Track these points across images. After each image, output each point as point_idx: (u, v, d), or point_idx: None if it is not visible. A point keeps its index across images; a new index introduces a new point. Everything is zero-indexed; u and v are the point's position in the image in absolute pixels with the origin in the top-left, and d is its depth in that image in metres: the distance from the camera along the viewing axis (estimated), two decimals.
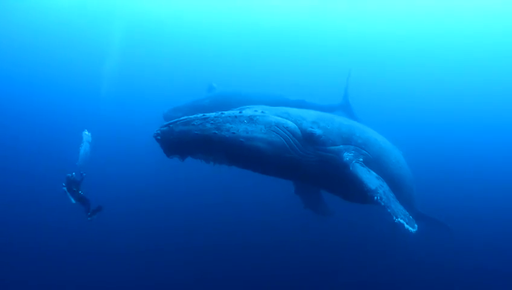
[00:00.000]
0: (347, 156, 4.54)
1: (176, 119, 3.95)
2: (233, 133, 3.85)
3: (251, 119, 4.01)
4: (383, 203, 4.25)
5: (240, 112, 4.08)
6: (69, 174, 7.64)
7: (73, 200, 7.48)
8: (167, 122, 3.94)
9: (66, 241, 10.39)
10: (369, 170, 4.63)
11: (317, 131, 4.33)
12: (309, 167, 4.39)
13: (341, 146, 4.55)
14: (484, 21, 29.63)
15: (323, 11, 31.23)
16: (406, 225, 4.16)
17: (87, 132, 8.88)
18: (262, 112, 4.20)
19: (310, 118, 4.45)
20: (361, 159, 4.67)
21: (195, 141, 3.82)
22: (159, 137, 3.86)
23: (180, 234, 10.48)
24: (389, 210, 4.23)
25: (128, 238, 10.68)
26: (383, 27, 32.33)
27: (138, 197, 12.59)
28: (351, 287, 8.16)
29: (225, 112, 4.04)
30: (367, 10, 29.83)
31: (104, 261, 9.75)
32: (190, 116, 3.94)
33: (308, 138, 4.27)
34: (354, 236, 9.09)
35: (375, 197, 4.27)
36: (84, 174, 7.71)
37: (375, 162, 4.90)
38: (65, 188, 7.49)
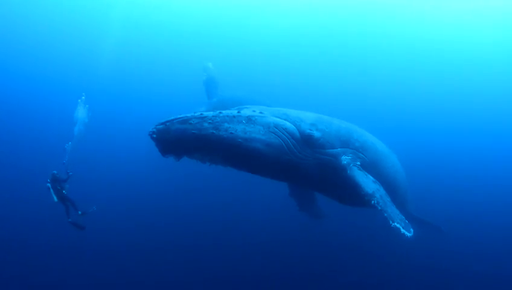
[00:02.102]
0: (345, 159, 4.52)
1: (172, 117, 3.87)
2: (232, 133, 3.78)
3: (249, 120, 3.95)
4: (379, 208, 4.24)
5: (238, 112, 4.01)
6: (55, 171, 7.48)
7: (55, 199, 7.34)
8: (163, 120, 3.85)
9: (61, 240, 10.25)
10: (366, 173, 4.61)
11: (316, 133, 4.29)
12: (306, 169, 4.35)
13: (339, 149, 4.52)
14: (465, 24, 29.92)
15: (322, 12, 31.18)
16: (402, 230, 4.18)
17: (82, 102, 8.47)
18: (260, 112, 4.14)
19: (308, 120, 4.40)
20: (358, 163, 4.65)
21: (192, 141, 3.74)
22: (154, 135, 3.76)
23: (176, 235, 10.41)
24: (385, 214, 4.23)
25: (125, 238, 10.58)
26: (380, 27, 32.40)
27: (134, 197, 12.47)
28: (347, 288, 8.19)
29: (223, 112, 3.97)
30: (366, 10, 29.81)
31: (98, 261, 9.63)
32: (187, 115, 3.85)
33: (307, 140, 4.23)
34: (350, 238, 9.13)
35: (372, 202, 4.27)
36: (71, 173, 7.56)
37: (371, 166, 4.90)
38: (49, 185, 7.35)
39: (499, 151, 18.78)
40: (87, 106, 8.47)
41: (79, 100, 8.49)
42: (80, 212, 7.58)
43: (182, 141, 3.74)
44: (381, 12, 29.92)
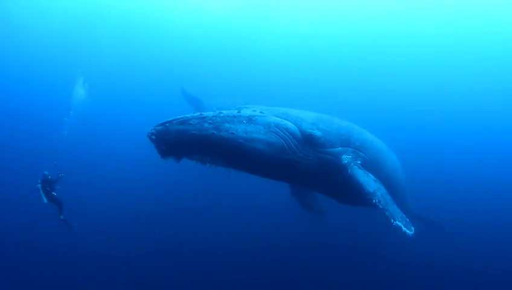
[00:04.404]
0: (345, 158, 4.50)
1: (171, 118, 3.82)
2: (232, 133, 3.75)
3: (250, 120, 3.92)
4: (381, 206, 4.22)
5: (239, 112, 3.98)
6: (46, 172, 7.50)
7: (45, 200, 7.39)
8: (162, 121, 3.80)
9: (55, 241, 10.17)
10: (367, 172, 4.59)
11: (317, 133, 4.27)
12: (307, 169, 4.33)
13: (339, 148, 4.50)
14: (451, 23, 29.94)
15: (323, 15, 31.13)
16: (403, 228, 4.15)
17: (81, 75, 8.26)
18: (261, 112, 4.11)
19: (309, 119, 4.38)
20: (359, 162, 4.63)
21: (192, 142, 3.70)
22: (153, 137, 3.72)
23: (177, 236, 10.35)
24: (386, 213, 4.20)
25: (121, 239, 10.52)
26: (378, 26, 32.37)
27: (131, 199, 12.39)
28: (347, 288, 8.18)
29: (223, 112, 3.93)
30: (363, 10, 29.76)
31: (94, 264, 9.55)
32: (187, 115, 3.81)
33: (308, 140, 4.20)
34: (350, 238, 9.12)
35: (374, 200, 4.24)
36: (62, 174, 7.57)
37: (371, 165, 4.88)
38: (39, 186, 7.37)
39: (500, 148, 18.86)
40: (86, 84, 8.25)
41: (80, 70, 8.25)
42: (61, 217, 7.67)
43: (182, 142, 3.70)
44: (378, 11, 29.89)
